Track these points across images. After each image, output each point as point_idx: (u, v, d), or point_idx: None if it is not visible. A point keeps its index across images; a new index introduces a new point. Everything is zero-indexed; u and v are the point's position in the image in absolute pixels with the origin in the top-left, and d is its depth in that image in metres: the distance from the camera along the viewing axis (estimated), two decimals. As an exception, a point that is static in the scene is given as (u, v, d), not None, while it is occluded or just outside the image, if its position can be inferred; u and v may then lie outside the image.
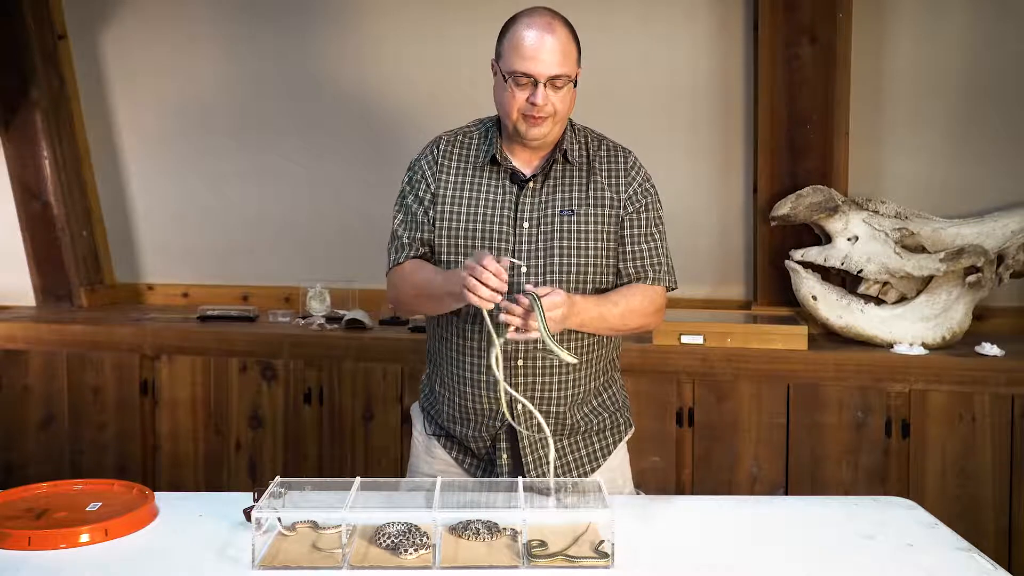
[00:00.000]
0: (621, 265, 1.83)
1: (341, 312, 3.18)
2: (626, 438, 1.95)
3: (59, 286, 3.59)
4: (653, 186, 1.87)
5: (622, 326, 1.80)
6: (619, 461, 1.94)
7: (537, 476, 1.79)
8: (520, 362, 1.77)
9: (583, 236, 1.78)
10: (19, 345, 3.20)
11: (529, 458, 1.80)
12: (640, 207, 1.83)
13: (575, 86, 1.78)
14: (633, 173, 1.84)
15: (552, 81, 1.72)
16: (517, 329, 1.61)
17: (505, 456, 1.82)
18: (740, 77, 3.08)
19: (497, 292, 1.59)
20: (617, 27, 3.14)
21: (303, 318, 3.24)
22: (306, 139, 3.46)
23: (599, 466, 1.88)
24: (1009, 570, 1.44)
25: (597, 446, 1.88)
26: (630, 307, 1.79)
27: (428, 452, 1.93)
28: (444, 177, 1.84)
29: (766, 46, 2.93)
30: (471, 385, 1.81)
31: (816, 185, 2.86)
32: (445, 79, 3.25)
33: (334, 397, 2.97)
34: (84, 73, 3.58)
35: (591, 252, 1.79)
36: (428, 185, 1.84)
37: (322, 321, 3.15)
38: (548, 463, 1.72)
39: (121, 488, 1.75)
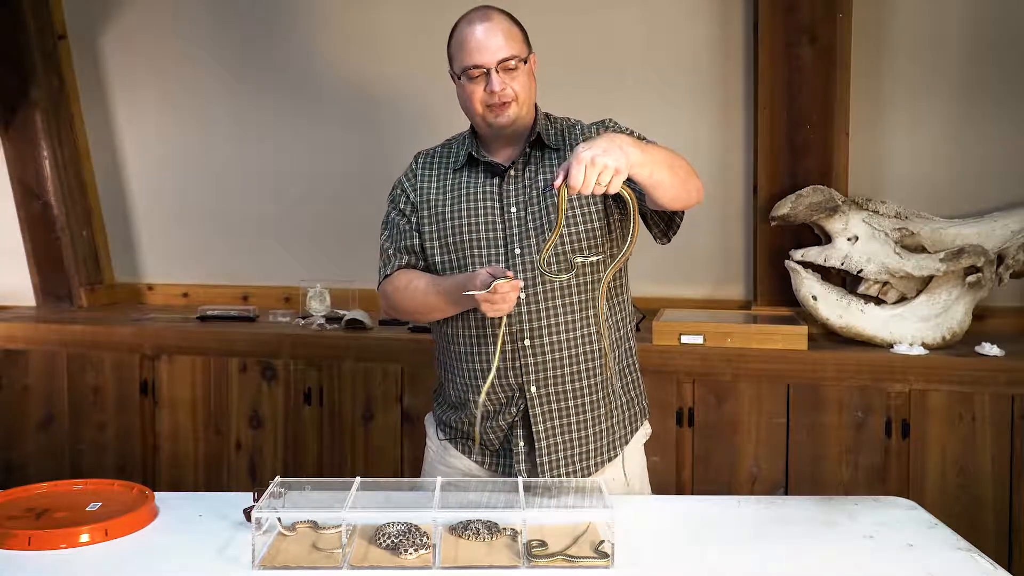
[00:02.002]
0: None
1: (341, 312, 3.18)
2: (642, 436, 1.94)
3: (59, 286, 3.60)
4: (625, 126, 1.85)
5: (680, 169, 1.65)
6: (638, 466, 1.93)
7: (550, 461, 1.79)
8: (527, 342, 1.78)
9: (569, 207, 1.78)
10: (19, 345, 3.20)
11: (543, 443, 1.80)
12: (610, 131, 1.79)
13: (526, 63, 1.78)
14: (601, 128, 1.84)
15: (503, 65, 1.75)
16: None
17: (521, 443, 1.82)
18: (740, 77, 3.08)
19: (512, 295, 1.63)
20: (617, 26, 3.15)
21: (303, 318, 3.24)
22: (307, 139, 3.46)
23: (616, 455, 1.87)
24: (1009, 570, 1.44)
25: (617, 434, 1.87)
26: (671, 151, 1.67)
27: (442, 461, 1.93)
28: (425, 186, 1.89)
29: (766, 46, 2.93)
30: (483, 376, 1.81)
31: (816, 185, 2.86)
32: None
33: (334, 397, 2.97)
34: (84, 73, 3.58)
35: (579, 220, 1.78)
36: (408, 197, 1.90)
37: (322, 321, 3.15)
38: (556, 440, 1.79)
39: (121, 488, 1.75)
